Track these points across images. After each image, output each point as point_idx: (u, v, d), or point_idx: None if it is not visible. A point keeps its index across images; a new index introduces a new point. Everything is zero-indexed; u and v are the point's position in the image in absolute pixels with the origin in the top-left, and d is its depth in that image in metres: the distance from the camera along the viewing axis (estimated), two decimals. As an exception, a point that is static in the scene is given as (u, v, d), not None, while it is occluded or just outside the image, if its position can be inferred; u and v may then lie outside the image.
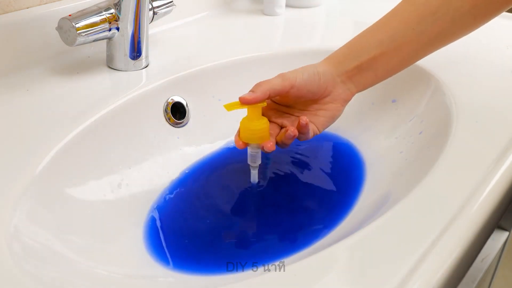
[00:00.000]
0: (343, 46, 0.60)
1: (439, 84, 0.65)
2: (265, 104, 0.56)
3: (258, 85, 0.55)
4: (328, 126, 0.60)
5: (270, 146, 0.56)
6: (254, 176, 0.60)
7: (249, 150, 0.58)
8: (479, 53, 0.75)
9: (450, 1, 0.55)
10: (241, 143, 0.56)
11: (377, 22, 0.60)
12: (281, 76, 0.56)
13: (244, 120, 0.56)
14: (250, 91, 0.55)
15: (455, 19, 0.56)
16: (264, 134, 0.56)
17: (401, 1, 0.59)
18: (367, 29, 0.60)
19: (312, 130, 0.58)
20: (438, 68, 0.68)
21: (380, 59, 0.58)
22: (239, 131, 0.58)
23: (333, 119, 0.59)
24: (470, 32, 0.59)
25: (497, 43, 0.79)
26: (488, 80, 0.67)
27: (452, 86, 0.64)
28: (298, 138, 0.57)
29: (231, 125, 0.60)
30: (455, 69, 0.69)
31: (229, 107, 0.55)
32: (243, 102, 0.54)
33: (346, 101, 0.59)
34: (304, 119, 0.56)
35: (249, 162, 0.59)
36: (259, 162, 0.59)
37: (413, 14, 0.57)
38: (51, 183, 0.50)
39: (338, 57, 0.59)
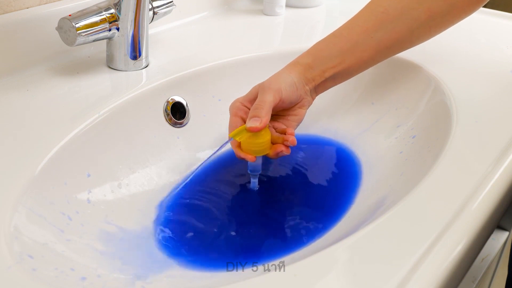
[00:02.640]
0: (307, 53, 0.61)
1: (439, 84, 0.65)
2: (268, 125, 0.56)
3: (258, 108, 0.56)
4: (296, 128, 0.62)
5: (286, 150, 0.57)
6: (254, 183, 0.60)
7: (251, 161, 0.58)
8: (479, 53, 0.75)
9: (409, 11, 0.58)
10: (250, 156, 0.56)
11: (339, 29, 0.61)
12: (268, 89, 0.57)
13: (246, 136, 0.56)
14: (252, 116, 0.55)
15: (412, 29, 0.59)
16: (269, 145, 0.57)
17: (362, 9, 0.61)
18: (329, 36, 0.61)
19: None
20: (438, 68, 0.68)
21: (341, 67, 0.60)
22: (237, 145, 0.57)
23: (300, 122, 0.61)
24: (425, 41, 0.62)
25: (497, 43, 0.79)
26: (488, 80, 0.67)
27: (452, 86, 0.64)
28: None
29: (231, 125, 0.60)
30: (455, 69, 0.69)
31: (237, 136, 0.55)
32: (255, 130, 0.55)
33: (309, 105, 0.62)
34: (292, 141, 0.57)
35: (249, 171, 0.60)
36: (260, 171, 0.60)
37: (373, 22, 0.59)
38: (51, 183, 0.50)
39: (303, 65, 0.60)
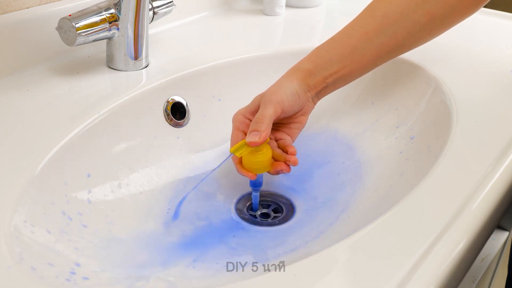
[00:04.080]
0: (307, 59, 0.61)
1: (439, 84, 0.65)
2: (268, 139, 0.56)
3: (258, 122, 0.55)
4: (298, 135, 0.61)
5: (287, 169, 0.57)
6: (256, 197, 0.60)
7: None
8: (479, 53, 0.75)
9: (408, 14, 0.58)
10: (250, 174, 0.56)
11: (338, 33, 0.61)
12: (269, 102, 0.56)
13: (247, 155, 0.56)
14: (252, 130, 0.55)
15: (412, 32, 0.59)
16: (270, 163, 0.57)
17: (362, 12, 0.61)
18: (328, 41, 0.61)
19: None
20: (438, 68, 0.69)
21: (342, 72, 0.59)
22: (239, 161, 0.57)
23: (301, 129, 0.61)
24: (424, 43, 0.62)
25: (497, 43, 0.79)
26: (488, 80, 0.67)
27: (452, 86, 0.64)
28: None
29: (231, 125, 0.60)
30: (455, 69, 0.69)
31: (237, 151, 0.55)
32: (254, 145, 0.54)
33: (311, 111, 0.61)
34: (294, 161, 0.57)
35: (251, 186, 0.59)
36: (261, 185, 0.59)
37: (373, 26, 0.59)
38: (51, 183, 0.50)
39: (304, 71, 0.59)
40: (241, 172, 0.57)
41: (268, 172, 0.58)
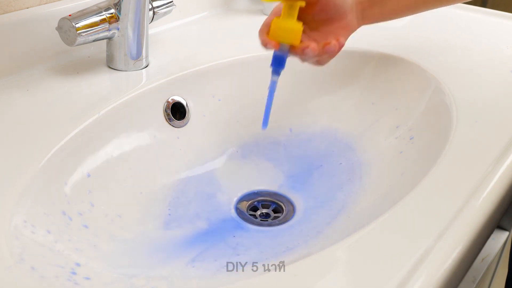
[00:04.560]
0: None
1: (439, 84, 0.65)
2: (303, 3, 0.51)
3: None
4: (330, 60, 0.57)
5: (314, 47, 0.52)
6: (274, 83, 0.54)
7: (276, 52, 0.53)
8: (479, 53, 0.75)
9: None
10: (274, 42, 0.51)
11: None
12: None
13: (276, 19, 0.52)
14: None
15: None
16: (298, 36, 0.52)
17: None
18: None
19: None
20: (438, 68, 0.69)
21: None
22: (266, 32, 0.53)
23: (336, 53, 0.56)
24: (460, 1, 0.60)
25: (497, 43, 0.79)
26: (488, 80, 0.67)
27: (452, 86, 0.64)
28: (320, 62, 0.55)
29: (231, 125, 0.60)
30: (455, 69, 0.69)
31: None
32: None
33: (351, 32, 0.58)
34: (335, 44, 0.53)
35: (272, 65, 0.54)
36: (283, 67, 0.54)
37: None
38: (51, 183, 0.50)
39: None
40: (265, 40, 0.52)
41: (294, 50, 0.52)
